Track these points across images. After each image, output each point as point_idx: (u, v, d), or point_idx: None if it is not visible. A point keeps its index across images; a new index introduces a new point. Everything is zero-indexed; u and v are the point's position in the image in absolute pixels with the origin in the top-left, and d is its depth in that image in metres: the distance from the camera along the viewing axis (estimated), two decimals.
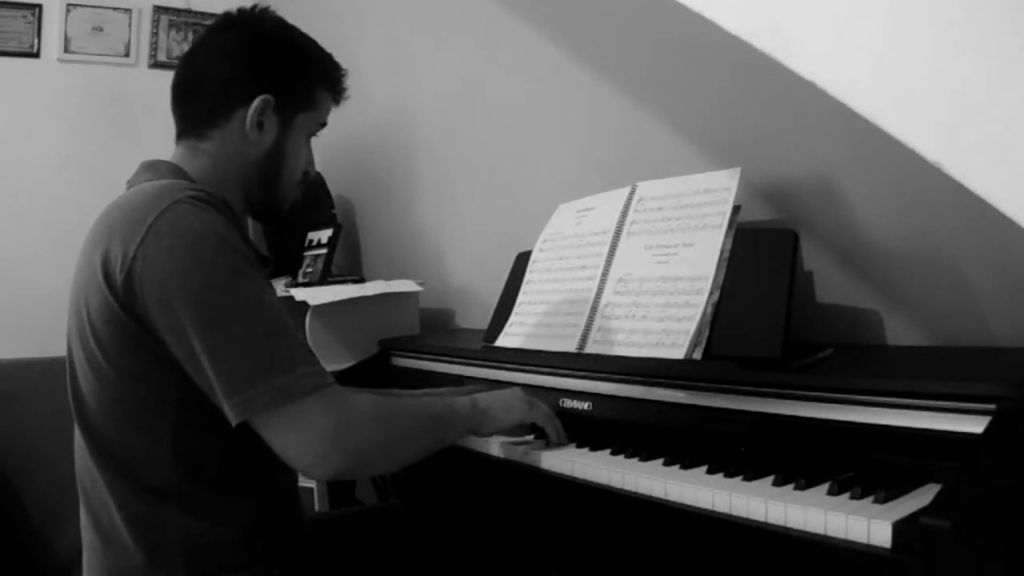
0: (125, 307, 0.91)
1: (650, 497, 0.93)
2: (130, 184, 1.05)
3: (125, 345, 0.93)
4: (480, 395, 1.11)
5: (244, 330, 0.90)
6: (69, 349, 1.01)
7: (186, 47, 1.12)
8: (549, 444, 1.11)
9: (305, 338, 0.98)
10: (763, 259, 1.12)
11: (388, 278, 2.05)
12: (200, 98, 1.07)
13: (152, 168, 1.06)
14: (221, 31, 1.10)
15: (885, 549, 0.70)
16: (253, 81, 1.06)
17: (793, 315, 1.07)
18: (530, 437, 1.16)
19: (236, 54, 1.07)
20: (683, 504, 0.89)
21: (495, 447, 1.15)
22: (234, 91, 1.06)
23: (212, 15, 2.85)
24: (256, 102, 1.05)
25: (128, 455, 0.96)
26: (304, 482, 1.90)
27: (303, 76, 1.11)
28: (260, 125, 1.07)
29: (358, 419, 0.94)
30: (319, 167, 2.02)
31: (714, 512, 0.85)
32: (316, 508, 1.98)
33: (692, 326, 1.13)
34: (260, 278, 0.94)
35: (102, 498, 0.97)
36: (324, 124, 1.16)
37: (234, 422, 0.89)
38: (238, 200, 1.10)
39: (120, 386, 0.94)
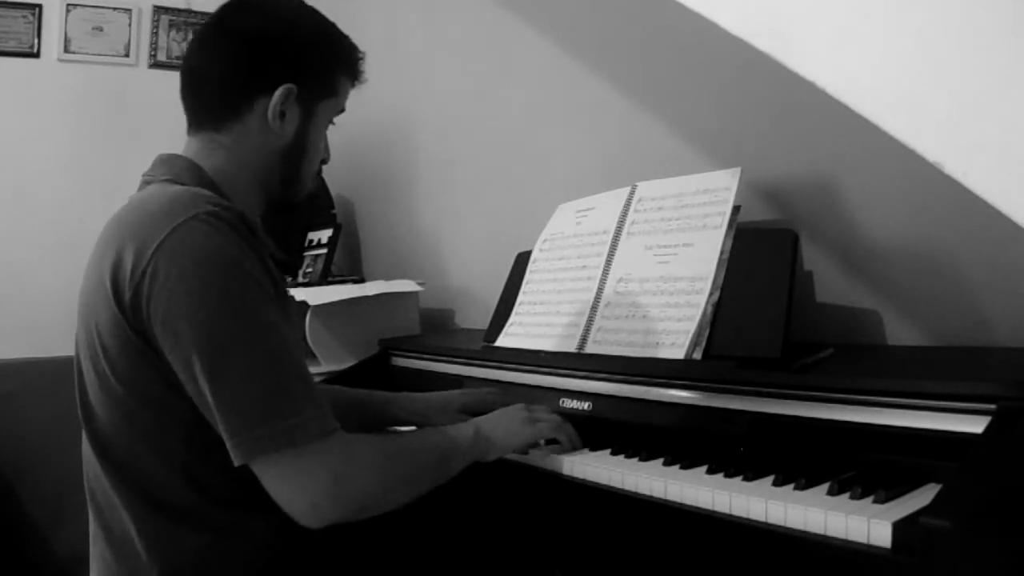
0: (132, 326, 0.88)
1: (650, 497, 0.93)
2: (145, 179, 1.02)
3: (133, 363, 0.89)
4: (482, 421, 1.07)
5: (249, 367, 0.85)
6: (77, 359, 0.98)
7: (187, 47, 1.06)
8: (563, 450, 1.09)
9: (311, 379, 0.92)
10: (763, 259, 1.12)
11: (388, 278, 2.05)
12: (218, 89, 1.02)
13: (168, 163, 1.02)
14: (238, 15, 1.03)
15: (885, 549, 0.70)
16: (275, 70, 1.01)
17: (793, 315, 1.07)
18: (541, 441, 1.14)
19: (256, 42, 1.01)
20: (683, 504, 0.89)
21: None
22: (255, 81, 1.01)
23: None
24: (279, 92, 1.00)
25: (141, 473, 0.93)
26: None
27: (325, 63, 1.05)
28: (282, 115, 1.02)
29: (357, 469, 0.90)
30: None
31: (714, 512, 0.85)
32: None
33: (692, 326, 1.13)
34: (274, 309, 0.90)
35: (115, 512, 0.95)
36: (343, 110, 1.11)
37: (236, 463, 0.85)
38: (257, 194, 1.06)
39: (130, 404, 0.91)
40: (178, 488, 0.92)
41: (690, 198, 1.24)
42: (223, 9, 1.04)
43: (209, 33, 1.04)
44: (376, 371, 1.71)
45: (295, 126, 1.04)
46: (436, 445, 1.01)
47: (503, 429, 1.06)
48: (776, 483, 0.86)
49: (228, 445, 0.85)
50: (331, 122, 1.11)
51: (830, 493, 0.81)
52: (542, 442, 1.14)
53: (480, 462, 1.04)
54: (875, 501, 0.76)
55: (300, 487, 0.87)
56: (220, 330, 0.85)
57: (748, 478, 0.89)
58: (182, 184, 0.98)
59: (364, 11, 2.39)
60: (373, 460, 0.93)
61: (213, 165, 1.02)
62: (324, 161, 1.13)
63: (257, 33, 1.02)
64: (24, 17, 2.65)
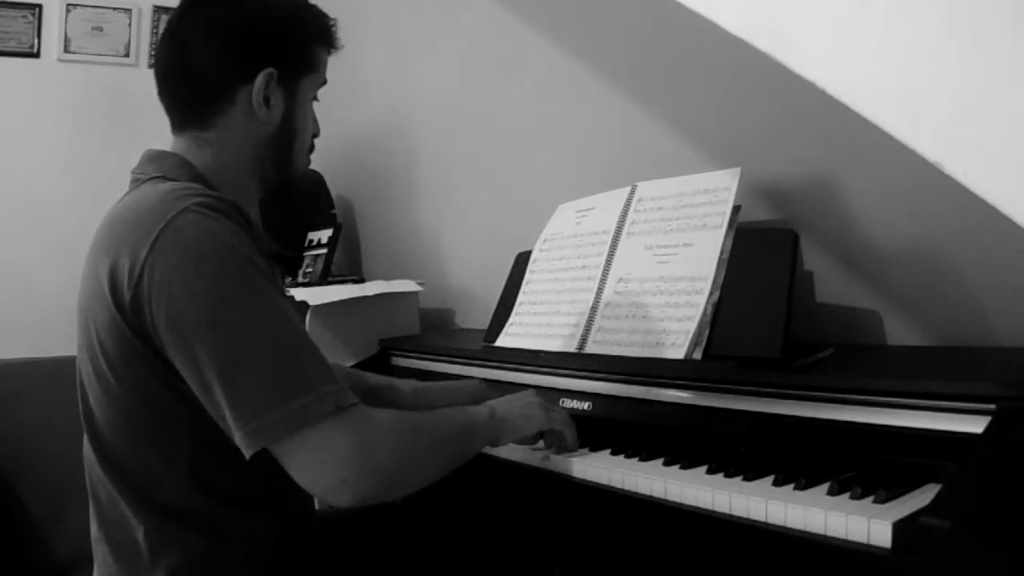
0: (132, 326, 0.86)
1: (650, 497, 0.93)
2: (135, 175, 1.01)
3: (134, 365, 0.88)
4: (497, 403, 1.05)
5: (259, 351, 0.84)
6: (79, 363, 0.97)
7: (156, 48, 1.03)
8: (560, 450, 1.09)
9: (322, 355, 0.91)
10: (763, 259, 1.12)
11: (388, 278, 2.04)
12: (196, 86, 1.00)
13: (157, 160, 1.00)
14: (201, 8, 1.00)
15: (885, 549, 0.70)
16: (252, 57, 0.99)
17: (793, 315, 1.07)
18: (540, 443, 1.13)
19: (227, 32, 0.99)
20: (683, 504, 0.89)
21: (498, 448, 1.14)
22: (233, 73, 0.99)
23: None
24: (259, 78, 0.99)
25: (144, 475, 0.92)
26: None
27: (300, 39, 1.04)
28: (267, 100, 1.00)
29: (382, 439, 0.88)
30: (319, 167, 2.01)
31: (714, 512, 0.85)
32: (316, 507, 1.97)
33: (692, 326, 1.13)
34: (275, 290, 0.89)
35: (120, 515, 0.94)
36: (325, 82, 1.09)
37: (248, 453, 0.83)
38: (251, 184, 1.05)
39: (131, 407, 0.91)
40: (184, 489, 0.92)
41: (690, 198, 1.24)
42: (185, 3, 1.02)
43: (177, 30, 1.01)
44: (376, 371, 1.71)
45: (281, 109, 1.03)
46: (456, 421, 0.99)
47: (519, 412, 1.05)
48: (776, 483, 0.86)
49: (241, 434, 0.83)
50: (315, 97, 1.09)
51: (830, 493, 0.81)
52: (540, 444, 1.14)
53: (486, 453, 1.03)
54: (875, 501, 0.76)
55: (325, 461, 0.84)
56: (224, 318, 0.84)
57: (748, 478, 0.89)
58: (173, 180, 0.97)
59: (364, 11, 2.39)
60: (396, 429, 0.90)
61: (203, 161, 1.01)
62: (315, 135, 1.11)
63: (226, 23, 0.99)
64: (24, 17, 2.65)
